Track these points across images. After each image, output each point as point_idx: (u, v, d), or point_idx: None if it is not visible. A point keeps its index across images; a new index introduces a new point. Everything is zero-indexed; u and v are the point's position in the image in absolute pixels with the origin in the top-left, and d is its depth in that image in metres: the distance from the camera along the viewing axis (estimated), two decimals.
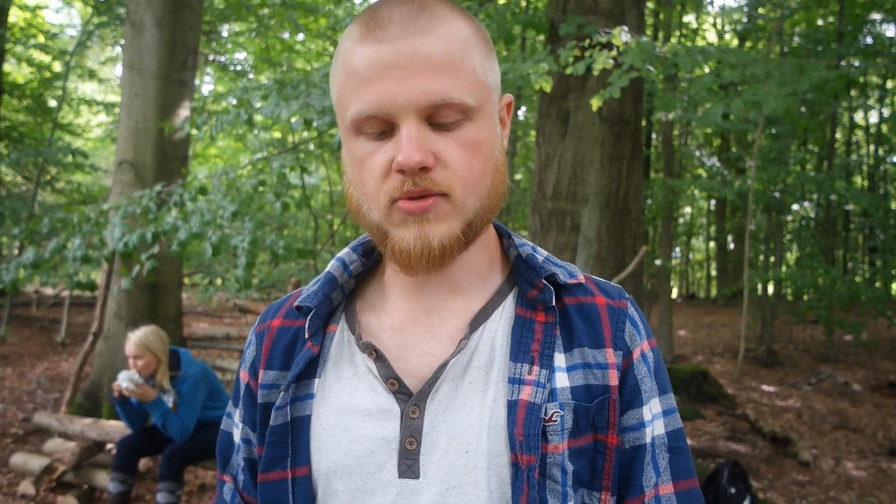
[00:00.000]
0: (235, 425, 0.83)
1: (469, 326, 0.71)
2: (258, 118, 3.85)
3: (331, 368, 0.74)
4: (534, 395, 0.67)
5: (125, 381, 3.14)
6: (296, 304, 0.77)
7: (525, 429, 0.66)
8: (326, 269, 0.79)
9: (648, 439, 0.71)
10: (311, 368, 0.74)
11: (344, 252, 0.80)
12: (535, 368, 0.68)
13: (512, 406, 0.67)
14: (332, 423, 0.71)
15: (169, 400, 3.36)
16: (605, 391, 0.70)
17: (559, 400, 0.68)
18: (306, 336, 0.74)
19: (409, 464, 0.68)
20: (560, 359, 0.70)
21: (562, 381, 0.69)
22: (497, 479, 0.67)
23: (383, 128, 0.64)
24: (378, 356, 0.71)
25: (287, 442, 0.72)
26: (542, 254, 0.78)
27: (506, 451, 0.66)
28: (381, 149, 0.65)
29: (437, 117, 0.63)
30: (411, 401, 0.69)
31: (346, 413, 0.71)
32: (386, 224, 0.67)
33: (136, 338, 3.26)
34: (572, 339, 0.72)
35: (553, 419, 0.67)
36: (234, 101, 4.10)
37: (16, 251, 9.90)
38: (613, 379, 0.70)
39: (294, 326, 0.78)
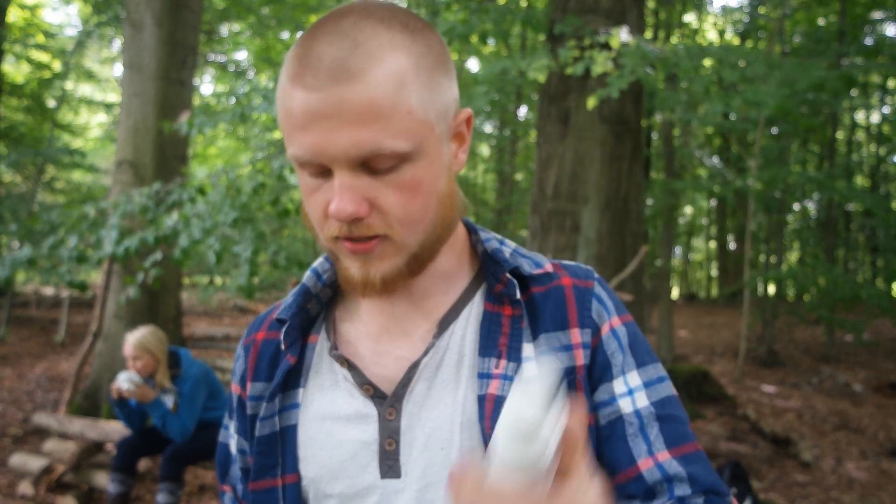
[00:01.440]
0: (231, 437, 0.85)
1: (438, 327, 0.73)
2: (257, 117, 3.85)
3: (313, 378, 0.76)
4: (501, 389, 0.68)
5: (125, 381, 3.14)
6: (275, 316, 0.80)
7: (493, 422, 0.66)
8: (301, 281, 0.81)
9: (628, 410, 0.70)
10: (295, 379, 0.76)
11: (317, 262, 0.82)
12: (503, 362, 0.69)
13: (482, 401, 0.68)
14: (315, 431, 0.73)
15: (169, 400, 3.36)
16: (571, 372, 0.70)
17: None
18: (282, 348, 0.76)
19: (389, 464, 0.70)
20: (528, 349, 0.71)
21: (530, 370, 0.69)
22: None
23: (321, 169, 0.64)
24: (350, 365, 0.72)
25: (276, 451, 0.75)
26: (509, 247, 0.78)
27: (480, 446, 0.68)
28: (321, 188, 0.65)
29: (371, 163, 0.62)
30: (386, 403, 0.71)
31: (329, 420, 0.73)
32: (335, 251, 0.69)
33: (133, 339, 3.26)
34: (538, 327, 0.72)
35: None
36: (234, 101, 4.09)
37: (16, 252, 9.88)
38: (580, 358, 0.71)
39: (277, 338, 0.80)
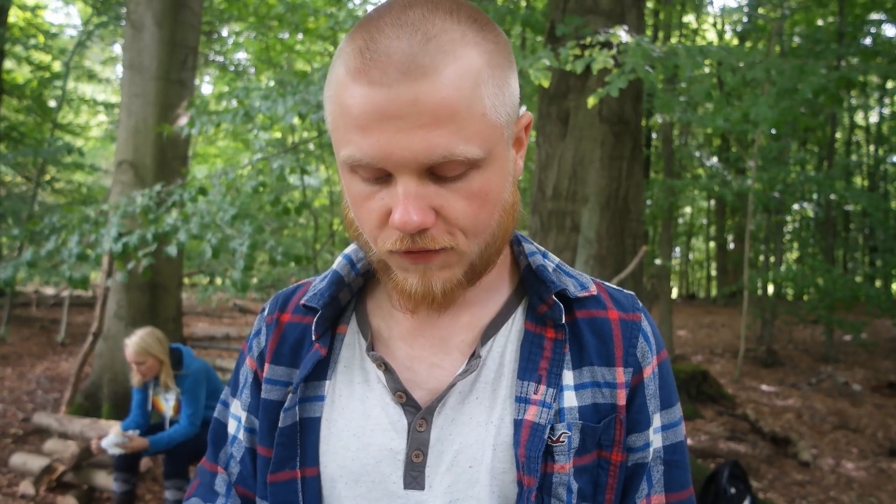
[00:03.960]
0: (233, 416, 0.82)
1: (479, 341, 0.70)
2: (259, 117, 3.85)
3: (342, 372, 0.73)
4: (538, 416, 0.66)
5: (111, 448, 3.14)
6: (302, 301, 0.76)
7: (527, 450, 0.65)
8: (333, 268, 0.77)
9: (650, 458, 0.72)
10: (321, 370, 0.73)
11: (350, 249, 0.78)
12: (542, 388, 0.68)
13: (518, 426, 0.66)
14: (341, 428, 0.71)
15: (171, 398, 3.40)
16: (613, 410, 0.69)
17: (567, 420, 0.67)
18: (313, 338, 0.73)
19: (414, 475, 0.68)
20: (569, 376, 0.69)
21: (570, 400, 0.68)
22: (500, 494, 0.67)
23: (379, 174, 0.59)
24: (387, 368, 0.70)
25: (296, 442, 0.72)
26: (552, 262, 0.76)
27: (512, 469, 0.66)
28: (376, 195, 0.60)
29: (439, 170, 0.58)
30: (419, 415, 0.69)
31: (356, 420, 0.71)
32: (388, 262, 0.66)
33: (134, 344, 3.26)
34: (582, 357, 0.70)
35: (561, 440, 0.67)
36: (235, 103, 4.09)
37: (16, 252, 9.89)
38: (622, 398, 0.70)
39: (303, 323, 0.77)
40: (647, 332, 0.73)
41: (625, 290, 0.78)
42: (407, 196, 0.57)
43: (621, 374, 0.70)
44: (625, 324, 0.73)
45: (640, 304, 0.76)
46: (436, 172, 0.58)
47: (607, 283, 0.78)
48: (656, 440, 0.72)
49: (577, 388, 0.69)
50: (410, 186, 0.57)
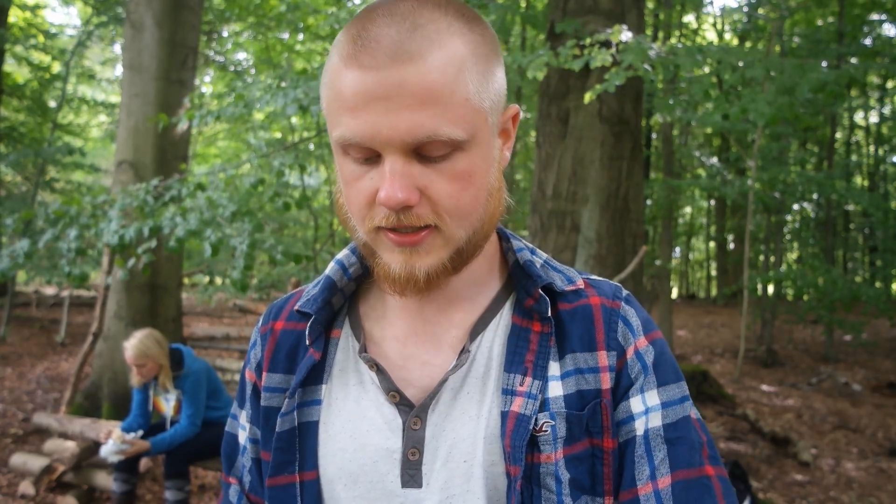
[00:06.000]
0: (241, 427, 0.84)
1: (469, 337, 0.72)
2: (258, 116, 3.86)
3: (337, 375, 0.75)
4: (524, 407, 0.67)
5: (111, 456, 3.14)
6: (296, 307, 0.78)
7: (512, 440, 0.66)
8: (325, 273, 0.79)
9: (640, 432, 0.69)
10: (317, 374, 0.75)
11: (343, 254, 0.80)
12: (528, 379, 0.69)
13: (504, 417, 0.67)
14: (338, 431, 0.72)
15: (172, 398, 3.40)
16: (597, 395, 0.69)
17: (552, 409, 0.68)
18: (307, 343, 0.74)
19: (411, 474, 0.69)
20: (554, 367, 0.70)
21: (555, 389, 0.69)
22: (493, 487, 0.68)
23: (368, 154, 0.62)
24: (379, 369, 0.71)
25: (294, 446, 0.73)
26: (540, 257, 0.77)
27: (501, 461, 0.67)
28: (366, 175, 0.63)
29: (424, 150, 0.60)
30: (412, 413, 0.70)
31: (352, 421, 0.72)
32: (373, 245, 0.67)
33: (133, 347, 3.27)
34: (565, 346, 0.71)
35: (543, 429, 0.67)
36: (233, 96, 4.07)
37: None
38: (606, 382, 0.70)
39: (297, 330, 0.78)
40: (626, 317, 0.74)
41: (610, 281, 0.79)
42: (393, 174, 0.60)
43: (604, 358, 0.71)
44: (605, 309, 0.73)
45: (624, 293, 0.77)
46: (422, 153, 0.61)
47: (592, 276, 0.79)
48: (654, 419, 0.69)
49: (563, 377, 0.70)
50: (396, 165, 0.60)
